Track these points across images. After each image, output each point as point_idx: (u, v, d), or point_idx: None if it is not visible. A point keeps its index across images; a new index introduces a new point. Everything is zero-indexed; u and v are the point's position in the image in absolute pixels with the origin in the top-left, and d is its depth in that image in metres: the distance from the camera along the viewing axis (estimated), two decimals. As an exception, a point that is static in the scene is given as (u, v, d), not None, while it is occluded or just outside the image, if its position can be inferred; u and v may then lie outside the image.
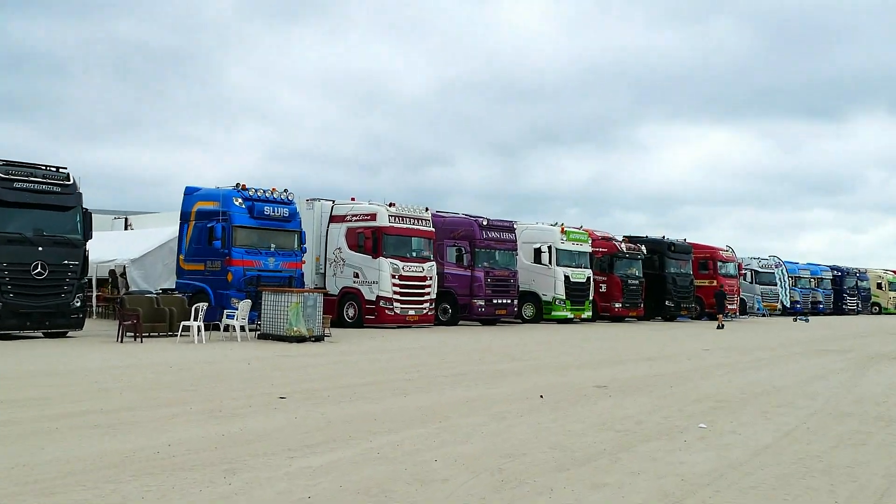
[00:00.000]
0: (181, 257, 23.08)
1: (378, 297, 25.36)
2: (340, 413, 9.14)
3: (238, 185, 22.50)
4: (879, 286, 66.08)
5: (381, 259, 25.38)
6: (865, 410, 10.44)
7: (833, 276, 60.64)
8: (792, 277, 54.63)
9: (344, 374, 13.23)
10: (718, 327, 33.20)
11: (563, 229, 33.13)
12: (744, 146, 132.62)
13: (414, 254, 26.49)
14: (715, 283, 40.96)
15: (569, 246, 33.18)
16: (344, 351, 17.60)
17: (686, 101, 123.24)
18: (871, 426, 9.21)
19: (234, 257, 21.63)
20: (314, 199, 27.17)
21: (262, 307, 20.03)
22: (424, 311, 26.54)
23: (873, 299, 65.57)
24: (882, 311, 64.87)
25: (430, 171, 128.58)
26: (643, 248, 37.81)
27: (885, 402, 11.41)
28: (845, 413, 10.16)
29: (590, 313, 33.89)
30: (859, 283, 63.48)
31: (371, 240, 25.48)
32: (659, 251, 39.11)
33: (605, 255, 35.92)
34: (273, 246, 22.54)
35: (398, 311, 25.62)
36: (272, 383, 11.61)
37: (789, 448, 7.81)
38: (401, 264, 25.63)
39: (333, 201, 27.34)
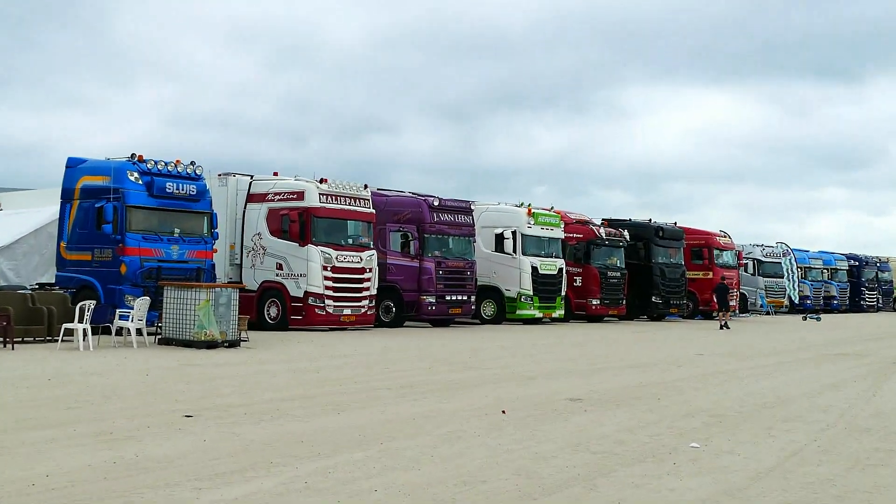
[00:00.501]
0: (63, 245, 22.78)
1: (306, 293, 25.26)
2: (260, 434, 9.09)
3: (133, 156, 22.23)
4: (903, 278, 67.69)
5: (311, 247, 25.27)
6: (886, 425, 10.69)
7: (849, 266, 61.93)
8: (801, 268, 55.64)
9: (264, 386, 13.16)
10: (722, 327, 33.64)
11: (529, 211, 33.33)
12: (744, 112, 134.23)
13: (350, 241, 26.44)
14: (710, 275, 41.59)
15: (537, 231, 33.36)
16: (264, 359, 17.53)
17: (676, 57, 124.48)
18: (893, 444, 9.44)
19: (129, 245, 21.39)
20: (228, 174, 26.95)
21: (164, 306, 19.82)
22: (363, 311, 26.52)
23: (896, 294, 67.25)
24: (905, 307, 66.55)
25: (369, 141, 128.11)
26: (626, 233, 38.20)
27: (908, 415, 11.71)
28: (863, 429, 10.39)
29: (562, 312, 34.20)
30: (880, 275, 64.84)
31: (298, 223, 25.35)
32: (644, 237, 39.58)
33: (580, 243, 36.23)
34: (177, 231, 22.35)
35: (331, 311, 25.56)
36: (176, 399, 11.51)
37: (797, 470, 7.96)
38: (334, 253, 25.55)
39: (251, 177, 27.19)
